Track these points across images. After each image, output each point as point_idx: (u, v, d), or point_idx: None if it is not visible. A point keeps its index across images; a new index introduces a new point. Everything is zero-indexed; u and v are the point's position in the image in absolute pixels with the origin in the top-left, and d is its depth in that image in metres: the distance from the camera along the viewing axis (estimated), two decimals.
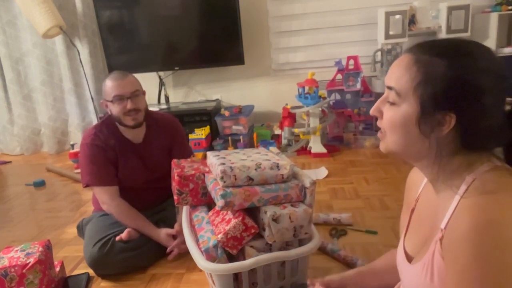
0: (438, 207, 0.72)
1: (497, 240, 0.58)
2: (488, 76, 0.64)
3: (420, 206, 0.84)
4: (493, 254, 0.58)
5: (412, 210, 0.86)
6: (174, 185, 1.52)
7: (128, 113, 1.68)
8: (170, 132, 1.89)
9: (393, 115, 0.71)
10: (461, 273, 0.62)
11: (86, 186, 1.75)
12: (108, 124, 1.79)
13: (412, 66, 0.68)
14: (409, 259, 0.80)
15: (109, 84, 1.68)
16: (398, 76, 0.70)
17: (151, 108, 1.96)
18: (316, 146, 2.96)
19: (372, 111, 0.76)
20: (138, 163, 1.80)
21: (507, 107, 0.69)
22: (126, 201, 1.75)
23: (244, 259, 1.24)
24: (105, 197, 1.73)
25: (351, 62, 3.06)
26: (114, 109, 1.69)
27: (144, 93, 1.77)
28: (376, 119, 0.77)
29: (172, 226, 1.75)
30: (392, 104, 0.71)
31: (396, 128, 0.71)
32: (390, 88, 0.72)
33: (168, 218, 1.81)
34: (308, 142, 3.04)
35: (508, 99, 0.68)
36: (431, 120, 0.67)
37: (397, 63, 0.72)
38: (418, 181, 0.87)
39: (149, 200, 1.86)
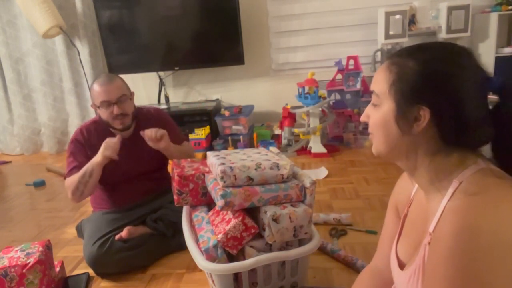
0: (428, 211, 0.73)
1: (470, 246, 0.58)
2: (460, 70, 0.66)
3: (412, 211, 0.84)
4: (463, 259, 0.59)
5: (405, 216, 0.86)
6: (174, 185, 1.52)
7: (116, 117, 1.72)
8: (159, 124, 1.89)
9: (376, 116, 0.75)
10: (433, 272, 0.63)
11: (65, 178, 1.78)
12: (97, 122, 1.84)
13: (387, 68, 0.73)
14: (402, 265, 0.80)
15: (96, 89, 1.71)
16: (378, 79, 0.75)
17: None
18: (316, 146, 2.96)
19: (362, 118, 0.81)
20: (128, 156, 1.82)
21: (490, 105, 0.70)
22: (120, 195, 1.83)
23: (244, 259, 1.25)
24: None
25: (351, 62, 3.06)
26: (103, 114, 1.74)
27: (131, 96, 1.81)
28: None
29: (170, 225, 1.75)
30: (376, 106, 0.76)
31: (378, 128, 0.75)
32: (372, 92, 0.77)
33: (166, 217, 1.80)
34: (308, 142, 3.04)
35: (491, 97, 0.69)
36: (408, 117, 0.70)
37: (378, 69, 0.77)
38: (409, 187, 0.87)
39: (143, 191, 1.88)
